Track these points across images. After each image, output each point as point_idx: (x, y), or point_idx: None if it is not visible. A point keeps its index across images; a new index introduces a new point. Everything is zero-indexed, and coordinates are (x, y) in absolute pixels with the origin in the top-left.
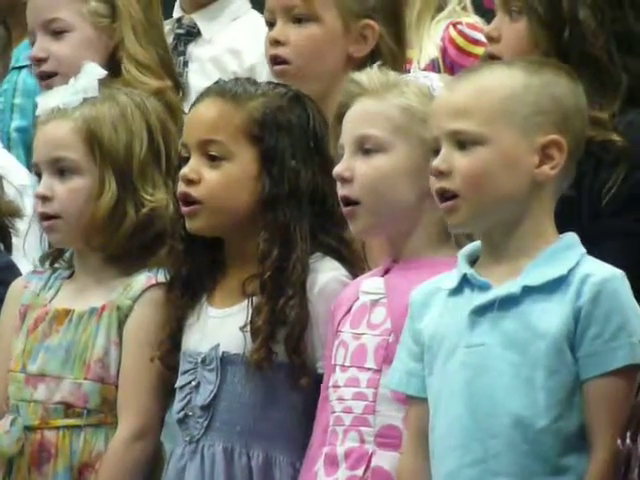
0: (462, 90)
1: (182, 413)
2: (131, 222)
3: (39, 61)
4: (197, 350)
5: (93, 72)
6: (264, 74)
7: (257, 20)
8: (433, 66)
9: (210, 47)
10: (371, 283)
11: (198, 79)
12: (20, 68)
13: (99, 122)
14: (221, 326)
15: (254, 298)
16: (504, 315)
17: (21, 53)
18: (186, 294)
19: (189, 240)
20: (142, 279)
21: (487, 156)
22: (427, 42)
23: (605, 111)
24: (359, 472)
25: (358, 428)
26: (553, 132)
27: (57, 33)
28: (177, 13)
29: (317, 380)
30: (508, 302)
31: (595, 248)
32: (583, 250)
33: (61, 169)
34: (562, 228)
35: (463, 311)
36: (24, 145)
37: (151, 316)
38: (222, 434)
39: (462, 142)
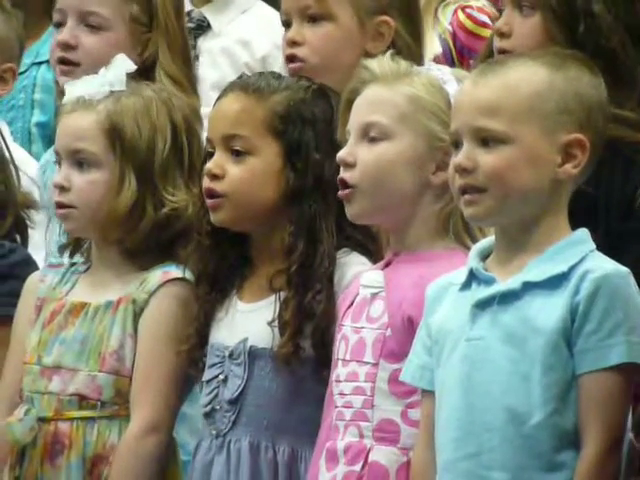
0: (488, 86)
1: (209, 407)
2: (150, 220)
3: (67, 47)
4: (225, 344)
5: (122, 65)
6: (276, 65)
7: (266, 11)
8: (444, 55)
9: (220, 39)
10: (370, 276)
11: (209, 71)
12: (40, 64)
13: (122, 116)
14: (249, 320)
15: (281, 293)
16: (504, 310)
17: (40, 48)
18: (214, 290)
19: (216, 236)
20: (158, 273)
21: (511, 154)
22: (432, 35)
23: (625, 108)
24: (357, 467)
25: (357, 423)
26: (576, 130)
27: (93, 27)
28: (187, 7)
29: None
30: (508, 297)
31: (622, 250)
32: (592, 246)
33: (80, 161)
34: (583, 226)
35: (467, 305)
36: (44, 140)
37: (167, 310)
38: (249, 429)
39: (486, 139)
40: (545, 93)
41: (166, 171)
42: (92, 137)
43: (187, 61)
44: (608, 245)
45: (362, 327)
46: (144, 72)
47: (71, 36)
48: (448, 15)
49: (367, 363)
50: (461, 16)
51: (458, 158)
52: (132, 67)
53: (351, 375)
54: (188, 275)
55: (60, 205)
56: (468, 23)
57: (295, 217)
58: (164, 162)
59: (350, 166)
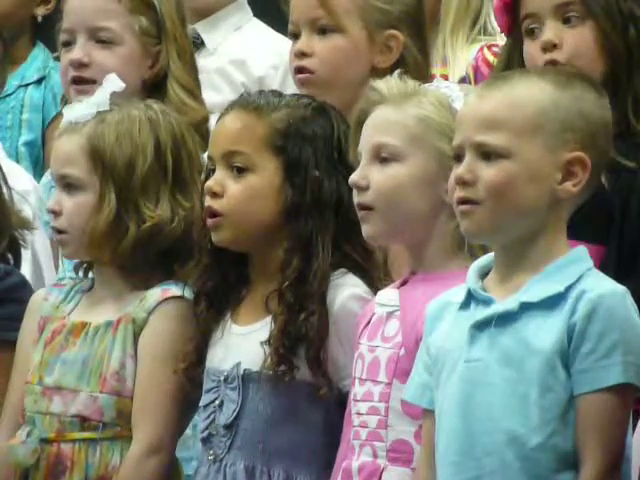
0: (492, 100)
1: (206, 432)
2: (132, 237)
3: (80, 65)
4: (220, 368)
5: (110, 85)
6: (273, 86)
7: (260, 29)
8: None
9: (214, 58)
10: (386, 295)
11: (205, 91)
12: (26, 85)
13: (104, 137)
14: (243, 343)
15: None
16: (502, 331)
17: (26, 71)
18: (212, 308)
19: (216, 254)
20: (157, 292)
21: (512, 169)
22: (460, 60)
23: None
24: None
25: (372, 443)
26: (578, 149)
27: (104, 42)
28: None
29: (340, 399)
30: (506, 318)
31: (634, 262)
32: (589, 264)
33: (68, 184)
34: (599, 234)
35: (466, 325)
36: (31, 159)
37: (166, 328)
38: (244, 452)
39: (487, 153)
40: (549, 110)
41: (147, 187)
42: (76, 161)
43: (196, 70)
44: (621, 260)
45: (377, 346)
46: (156, 84)
47: (84, 54)
48: (473, 51)
49: (381, 382)
50: (487, 53)
51: (459, 170)
52: (121, 85)
53: (367, 394)
54: (187, 293)
55: (55, 230)
56: (492, 59)
57: (291, 233)
58: (144, 179)
59: (363, 189)
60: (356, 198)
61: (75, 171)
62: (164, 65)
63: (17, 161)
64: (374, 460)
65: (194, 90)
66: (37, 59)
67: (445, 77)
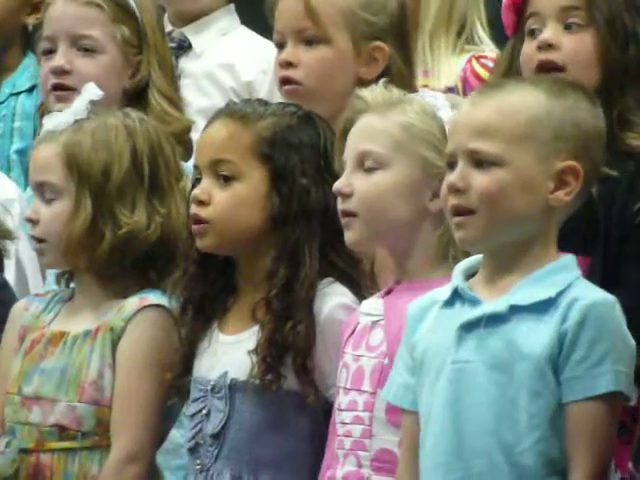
0: (486, 108)
1: (193, 442)
2: (108, 243)
3: (62, 72)
4: (207, 377)
5: (88, 94)
6: (262, 90)
7: (248, 35)
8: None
9: (201, 62)
10: (370, 304)
11: (194, 95)
12: (17, 94)
13: (80, 144)
14: (230, 353)
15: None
16: (491, 333)
17: (17, 79)
18: (199, 317)
19: (203, 263)
20: (135, 300)
21: (505, 177)
22: (444, 70)
23: None
24: None
25: (356, 452)
26: (571, 158)
27: (86, 50)
28: (167, 27)
29: (327, 408)
30: (495, 320)
31: (623, 268)
32: (578, 273)
33: (45, 193)
34: (584, 245)
35: (452, 325)
36: (23, 167)
37: (144, 337)
38: (231, 462)
39: (480, 161)
40: (543, 119)
41: (123, 193)
42: (53, 168)
43: (176, 81)
44: (606, 270)
45: (361, 355)
46: (136, 94)
47: (65, 61)
48: (462, 62)
49: (365, 392)
50: (475, 65)
51: (451, 177)
52: (99, 94)
53: (351, 404)
54: (166, 301)
55: (34, 239)
56: (482, 71)
57: (278, 242)
58: (120, 185)
59: (347, 196)
60: (340, 205)
61: (52, 178)
62: (145, 75)
63: (8, 169)
64: (358, 469)
65: (175, 100)
66: (28, 68)
67: (425, 87)
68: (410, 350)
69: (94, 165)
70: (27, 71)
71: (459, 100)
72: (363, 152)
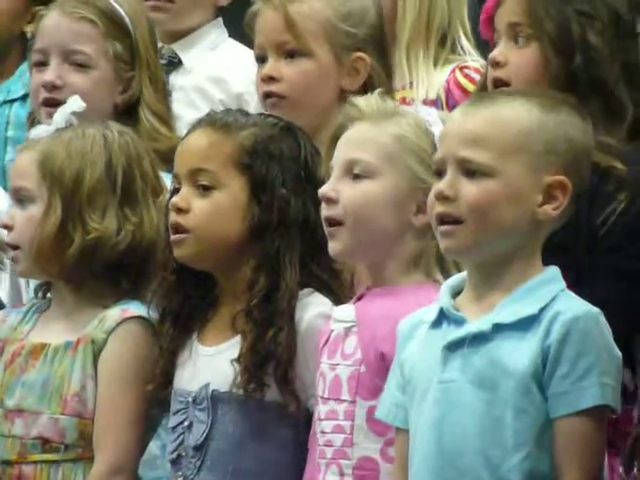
0: (477, 117)
1: (175, 454)
2: (77, 247)
3: (53, 87)
4: (188, 389)
5: (71, 105)
6: (251, 102)
7: (237, 48)
8: (435, 104)
9: (191, 77)
10: (342, 311)
11: (184, 108)
12: (12, 101)
13: (56, 152)
14: (211, 364)
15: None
16: (475, 352)
17: (12, 86)
18: (177, 328)
19: (181, 273)
20: (116, 312)
21: (494, 188)
22: (425, 81)
23: (612, 137)
24: None
25: (338, 461)
26: (561, 173)
27: (78, 65)
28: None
29: (309, 418)
30: (479, 339)
31: (589, 283)
32: (562, 285)
33: (20, 198)
34: (558, 261)
35: (438, 345)
36: None
37: (125, 349)
38: (214, 473)
39: (470, 170)
40: (535, 132)
41: (94, 199)
42: (28, 174)
43: (167, 97)
44: (578, 281)
45: (337, 364)
46: (127, 110)
47: (57, 76)
48: (446, 73)
49: (344, 401)
50: (458, 75)
51: (440, 185)
52: (82, 106)
53: (331, 413)
54: (146, 312)
55: (9, 247)
56: (464, 82)
57: (258, 252)
58: (91, 190)
59: (332, 202)
60: (324, 211)
61: (26, 183)
62: (136, 91)
63: (4, 179)
64: (340, 478)
65: (166, 117)
66: (24, 75)
67: (403, 100)
68: (400, 368)
69: (66, 172)
70: (23, 78)
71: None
72: (352, 160)
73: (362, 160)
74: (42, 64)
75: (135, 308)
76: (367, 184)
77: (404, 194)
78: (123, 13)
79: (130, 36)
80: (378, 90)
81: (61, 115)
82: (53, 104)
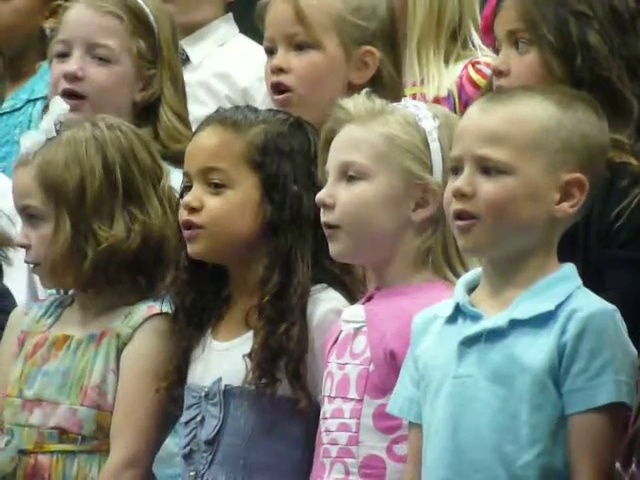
0: (496, 115)
1: (188, 448)
2: (90, 261)
3: (74, 78)
4: (200, 384)
5: (56, 110)
6: (258, 98)
7: (245, 44)
8: (448, 105)
9: (197, 73)
10: (352, 311)
11: (191, 106)
12: (35, 100)
13: (53, 165)
14: (224, 359)
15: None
16: (491, 347)
17: (35, 85)
18: (191, 325)
19: (194, 270)
20: (143, 308)
21: (512, 186)
22: (435, 77)
23: (622, 134)
24: None
25: (343, 460)
26: (577, 170)
27: (101, 59)
28: None
29: (319, 413)
30: (495, 335)
31: (601, 277)
32: (578, 282)
33: (30, 216)
34: (564, 252)
35: (454, 341)
36: None
37: (150, 345)
38: (225, 468)
39: (488, 168)
40: (553, 130)
41: (99, 209)
42: (32, 192)
43: (185, 97)
44: (587, 275)
45: (346, 363)
46: (146, 109)
47: (78, 67)
48: (458, 69)
49: (352, 399)
50: (471, 71)
51: (458, 182)
52: (65, 108)
53: (337, 412)
54: (167, 309)
55: (29, 263)
56: (477, 77)
57: (271, 249)
58: (96, 200)
59: (330, 207)
60: (323, 217)
61: (32, 202)
62: (157, 90)
63: None
64: (346, 477)
65: (185, 117)
66: (47, 73)
67: (413, 96)
68: (415, 363)
69: (69, 184)
70: (46, 76)
71: (441, 110)
72: (345, 163)
73: (355, 162)
74: (64, 55)
75: (164, 305)
76: (362, 186)
77: (400, 192)
78: (148, 12)
79: (154, 35)
80: (365, 90)
81: (49, 122)
82: (72, 95)
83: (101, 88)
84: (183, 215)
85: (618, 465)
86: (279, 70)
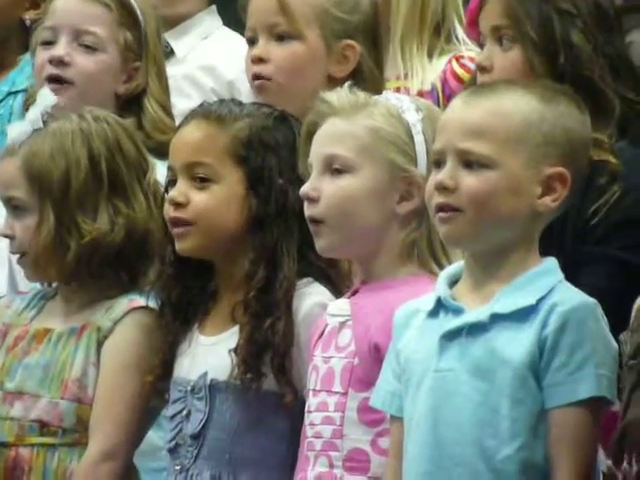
0: (478, 108)
1: (173, 442)
2: (73, 253)
3: (60, 63)
4: (186, 378)
5: (43, 101)
6: (244, 90)
7: (230, 36)
8: (431, 95)
9: (182, 66)
10: (337, 305)
11: (175, 97)
12: (16, 93)
13: (38, 156)
14: (210, 354)
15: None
16: (472, 341)
17: (17, 77)
18: (177, 319)
19: (179, 265)
20: (124, 301)
21: (494, 179)
22: (419, 71)
23: (602, 133)
24: None
25: (327, 453)
26: (559, 164)
27: (87, 47)
28: None
29: (304, 407)
30: (477, 329)
31: (578, 272)
32: (560, 276)
33: (14, 207)
34: (543, 247)
35: (435, 335)
36: None
37: (131, 338)
38: (210, 462)
39: (470, 162)
40: (535, 123)
41: (83, 201)
42: (17, 183)
43: (169, 91)
44: (563, 270)
45: (331, 357)
46: (129, 101)
47: (65, 53)
48: (443, 62)
49: (336, 393)
50: (455, 65)
51: (440, 176)
52: (53, 99)
53: (321, 405)
54: (152, 303)
55: (13, 254)
56: (460, 72)
57: (257, 244)
58: (80, 193)
59: (314, 201)
60: (307, 211)
61: (17, 193)
62: (141, 83)
63: None
64: (330, 470)
65: (170, 110)
66: (28, 66)
67: (397, 89)
68: (397, 356)
69: (54, 176)
70: (27, 68)
71: (423, 103)
72: (330, 156)
73: (340, 155)
74: (50, 43)
75: (141, 299)
76: (346, 179)
77: (385, 185)
78: (136, 5)
79: (140, 28)
80: (347, 83)
81: (35, 113)
82: (57, 81)
83: (86, 75)
84: (169, 211)
85: (609, 463)
86: (259, 60)
